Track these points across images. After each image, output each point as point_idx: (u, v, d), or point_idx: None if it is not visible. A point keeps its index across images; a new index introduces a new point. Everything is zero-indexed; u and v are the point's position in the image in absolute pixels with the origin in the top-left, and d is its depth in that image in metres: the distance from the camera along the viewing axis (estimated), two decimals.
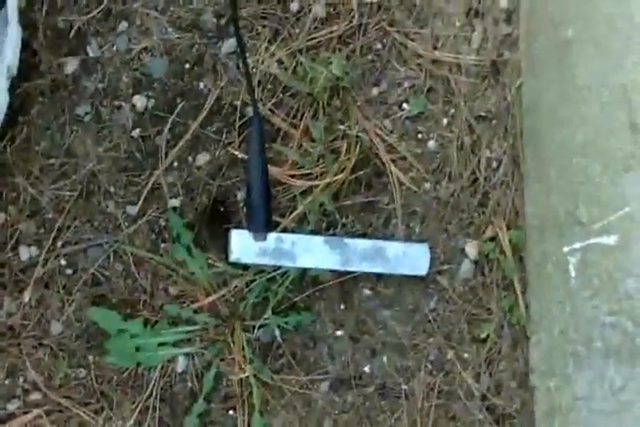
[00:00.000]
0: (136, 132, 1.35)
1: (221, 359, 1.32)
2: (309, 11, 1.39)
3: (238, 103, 1.37)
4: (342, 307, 1.36)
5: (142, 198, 1.34)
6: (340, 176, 1.35)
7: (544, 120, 1.32)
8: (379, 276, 1.37)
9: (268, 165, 1.30)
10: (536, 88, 1.36)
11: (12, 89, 1.29)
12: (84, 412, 1.31)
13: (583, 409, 1.17)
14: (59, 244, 1.32)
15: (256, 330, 1.33)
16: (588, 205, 1.17)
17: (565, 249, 1.22)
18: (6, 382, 1.31)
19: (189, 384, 1.33)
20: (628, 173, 1.09)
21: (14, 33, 1.27)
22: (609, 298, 1.12)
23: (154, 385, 1.31)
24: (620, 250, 1.10)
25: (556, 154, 1.27)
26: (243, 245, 1.31)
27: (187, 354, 1.32)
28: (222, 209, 1.36)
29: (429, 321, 1.37)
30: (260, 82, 1.37)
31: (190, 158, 1.36)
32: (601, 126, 1.15)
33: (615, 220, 1.11)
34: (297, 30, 1.39)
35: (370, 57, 1.41)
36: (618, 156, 1.11)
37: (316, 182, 1.35)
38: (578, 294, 1.19)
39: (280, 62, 1.38)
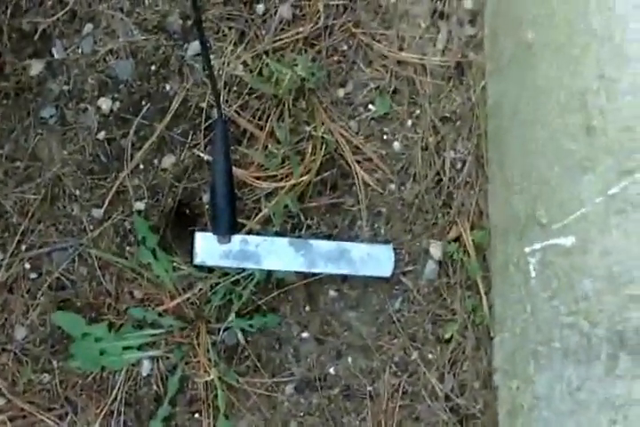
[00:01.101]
0: (101, 135, 1.35)
1: (186, 362, 1.33)
2: (275, 12, 1.39)
3: (204, 105, 1.37)
4: (307, 309, 1.37)
5: (107, 201, 1.34)
6: (305, 178, 1.35)
7: (507, 121, 1.33)
8: (344, 277, 1.37)
9: (234, 167, 1.30)
10: (499, 89, 1.36)
11: None
12: (49, 417, 1.31)
13: (544, 409, 1.18)
14: (23, 247, 1.33)
15: (221, 333, 1.34)
16: (548, 207, 1.18)
17: (526, 250, 1.22)
18: None
19: (154, 388, 1.33)
20: (584, 175, 1.09)
21: None
22: (567, 299, 1.12)
23: (118, 389, 1.32)
24: (577, 251, 1.11)
25: (518, 155, 1.28)
26: (207, 247, 1.31)
27: (151, 357, 1.33)
28: (187, 211, 1.36)
29: (394, 322, 1.38)
30: (225, 84, 1.37)
31: (156, 161, 1.36)
32: (559, 129, 1.15)
33: (572, 221, 1.11)
34: (263, 32, 1.39)
35: (336, 58, 1.41)
36: (575, 158, 1.11)
37: (282, 184, 1.35)
38: (538, 294, 1.19)
39: (245, 64, 1.38)
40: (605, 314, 1.07)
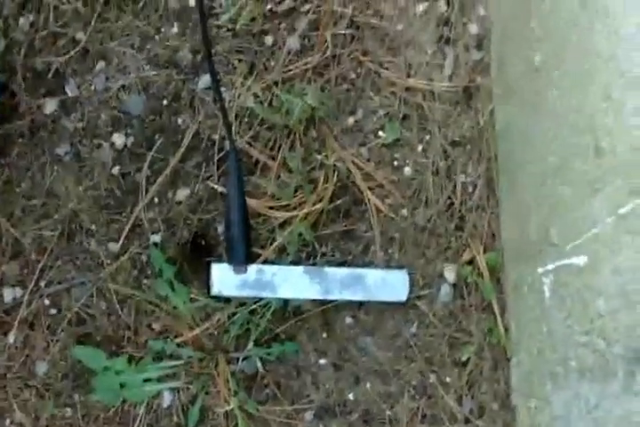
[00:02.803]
0: (116, 170, 1.37)
1: (206, 393, 1.34)
2: (284, 44, 1.41)
3: (216, 137, 1.38)
4: (324, 335, 1.38)
5: (124, 235, 1.36)
6: (318, 206, 1.36)
7: (516, 144, 1.34)
8: (359, 303, 1.38)
9: (247, 198, 1.32)
10: (508, 113, 1.37)
11: None
12: None
13: None
14: (42, 284, 1.35)
15: (240, 362, 1.35)
16: (560, 227, 1.18)
17: (540, 270, 1.23)
18: None
19: (175, 419, 1.34)
20: (594, 196, 1.10)
21: None
22: (581, 318, 1.13)
23: (140, 421, 1.33)
24: (590, 271, 1.11)
25: (529, 177, 1.29)
26: (223, 278, 1.32)
27: (172, 389, 1.34)
28: (203, 243, 1.37)
29: (411, 346, 1.38)
30: (236, 115, 1.39)
31: (170, 194, 1.37)
32: (569, 150, 1.16)
33: (584, 241, 1.12)
34: (272, 63, 1.41)
35: (344, 87, 1.42)
36: (585, 179, 1.12)
37: (295, 213, 1.36)
38: (553, 314, 1.20)
39: (256, 96, 1.39)
40: (620, 332, 1.07)
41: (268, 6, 1.40)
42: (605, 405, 1.08)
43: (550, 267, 1.20)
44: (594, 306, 1.10)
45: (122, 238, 1.36)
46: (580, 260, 1.13)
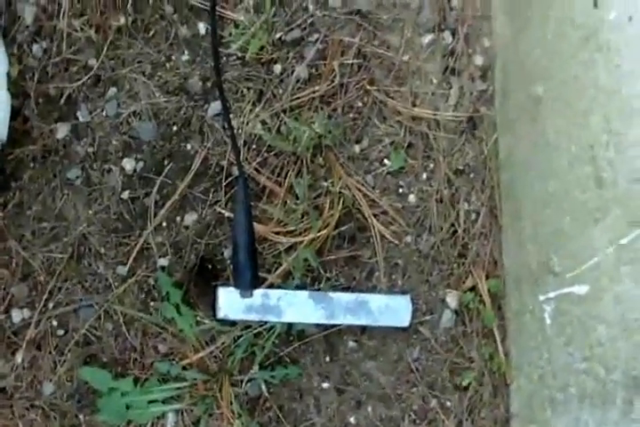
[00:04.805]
0: (125, 194, 1.39)
1: (210, 415, 1.35)
2: (292, 72, 1.42)
3: (224, 163, 1.40)
4: (328, 359, 1.39)
5: (132, 258, 1.37)
6: (323, 232, 1.38)
7: (519, 173, 1.35)
8: (363, 328, 1.40)
9: (254, 223, 1.33)
10: (511, 143, 1.39)
11: (3, 155, 1.33)
12: None
13: None
14: (50, 305, 1.36)
15: (244, 384, 1.36)
16: (560, 256, 1.20)
17: (541, 298, 1.24)
18: None
19: None
20: (595, 226, 1.12)
21: (3, 100, 1.32)
22: (582, 345, 1.14)
23: None
24: (591, 299, 1.13)
25: (531, 206, 1.30)
26: (230, 302, 1.34)
27: (176, 410, 1.35)
28: (210, 267, 1.39)
29: (412, 371, 1.40)
30: (245, 142, 1.40)
31: (178, 218, 1.39)
32: (570, 180, 1.18)
33: (585, 270, 1.13)
34: (280, 91, 1.42)
35: (351, 115, 1.44)
36: (586, 208, 1.14)
37: (301, 239, 1.38)
38: (553, 341, 1.21)
39: (264, 123, 1.41)
40: (620, 360, 1.08)
41: (277, 35, 1.42)
42: None
43: (551, 295, 1.21)
44: (594, 334, 1.12)
45: (130, 262, 1.37)
46: (581, 289, 1.14)
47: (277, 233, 1.39)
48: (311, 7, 1.44)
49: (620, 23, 1.07)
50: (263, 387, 1.36)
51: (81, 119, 1.40)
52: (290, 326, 1.37)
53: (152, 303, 1.37)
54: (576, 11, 1.15)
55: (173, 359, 1.36)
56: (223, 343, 1.36)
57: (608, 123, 1.10)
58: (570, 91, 1.19)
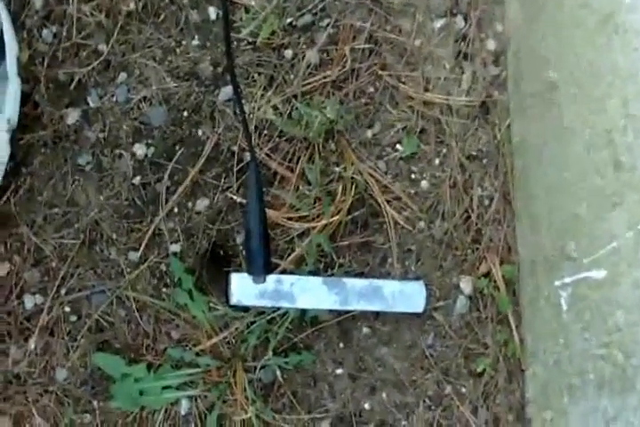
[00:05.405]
0: (136, 180, 1.38)
1: (224, 401, 1.34)
2: (303, 57, 1.42)
3: (236, 149, 1.39)
4: (341, 345, 1.39)
5: (144, 244, 1.37)
6: (336, 217, 1.38)
7: (533, 158, 1.35)
8: (376, 314, 1.39)
9: (266, 209, 1.32)
10: (524, 128, 1.39)
11: (13, 141, 1.32)
12: None
13: None
14: (63, 291, 1.35)
15: (257, 371, 1.35)
16: (577, 241, 1.20)
17: (557, 283, 1.24)
18: None
19: (193, 426, 1.35)
20: (613, 210, 1.11)
21: (14, 86, 1.31)
22: (600, 330, 1.14)
23: None
24: (609, 284, 1.12)
25: (545, 191, 1.30)
26: (243, 287, 1.34)
27: (190, 397, 1.34)
28: (222, 253, 1.38)
29: (427, 357, 1.40)
30: (256, 127, 1.40)
31: (190, 204, 1.39)
32: (586, 165, 1.17)
33: (603, 255, 1.13)
34: (291, 76, 1.42)
35: (363, 100, 1.43)
36: (603, 193, 1.13)
37: (313, 224, 1.38)
38: (570, 327, 1.21)
39: (275, 108, 1.41)
40: (639, 344, 1.08)
41: (288, 20, 1.42)
42: (624, 417, 1.09)
43: (568, 280, 1.21)
44: (612, 319, 1.11)
45: (142, 247, 1.37)
46: (599, 273, 1.14)
47: (290, 219, 1.38)
48: None
49: (637, 5, 1.07)
50: (277, 373, 1.36)
51: (91, 104, 1.39)
52: (303, 311, 1.36)
53: (164, 289, 1.37)
54: None
55: (186, 345, 1.36)
56: (236, 329, 1.35)
57: (626, 107, 1.09)
58: (585, 75, 1.19)
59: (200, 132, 1.40)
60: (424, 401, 1.39)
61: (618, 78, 1.11)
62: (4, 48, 1.30)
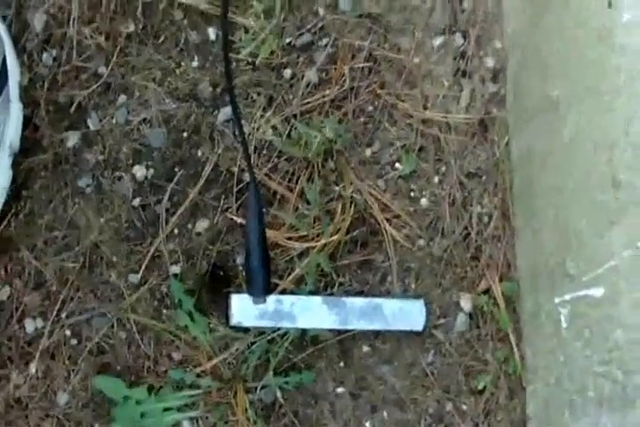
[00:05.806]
0: (136, 202, 1.38)
1: (225, 422, 1.34)
2: (302, 77, 1.42)
3: (235, 169, 1.40)
4: (342, 364, 1.38)
5: (144, 266, 1.37)
6: (335, 237, 1.37)
7: (532, 175, 1.35)
8: (377, 332, 1.39)
9: (266, 229, 1.32)
10: (523, 144, 1.38)
11: (15, 165, 1.33)
12: None
13: None
14: (63, 315, 1.35)
15: (258, 391, 1.35)
16: (576, 258, 1.19)
17: (556, 300, 1.23)
18: None
19: None
20: (612, 228, 1.11)
21: (16, 110, 1.32)
22: (600, 348, 1.13)
23: None
24: (608, 302, 1.12)
25: (545, 208, 1.29)
26: (243, 308, 1.34)
27: (191, 418, 1.34)
28: (222, 274, 1.38)
29: (427, 375, 1.39)
30: (255, 148, 1.40)
31: (190, 225, 1.39)
32: (586, 182, 1.17)
33: (602, 273, 1.13)
34: (290, 96, 1.42)
35: (362, 119, 1.44)
36: (602, 210, 1.13)
37: (313, 244, 1.37)
38: (570, 344, 1.20)
39: (275, 128, 1.41)
40: (639, 362, 1.08)
41: (288, 40, 1.42)
42: None
43: (567, 297, 1.21)
44: (612, 337, 1.11)
45: (142, 270, 1.37)
46: (598, 291, 1.14)
47: (289, 238, 1.38)
48: (321, 11, 1.43)
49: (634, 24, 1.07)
50: (278, 393, 1.36)
51: (91, 127, 1.40)
52: (303, 331, 1.36)
53: (165, 311, 1.37)
54: (590, 12, 1.14)
55: (187, 367, 1.35)
56: (237, 350, 1.35)
57: (626, 126, 1.09)
58: (587, 92, 1.18)
59: (199, 153, 1.40)
60: (425, 419, 1.38)
61: (619, 96, 1.10)
62: (5, 72, 1.31)
